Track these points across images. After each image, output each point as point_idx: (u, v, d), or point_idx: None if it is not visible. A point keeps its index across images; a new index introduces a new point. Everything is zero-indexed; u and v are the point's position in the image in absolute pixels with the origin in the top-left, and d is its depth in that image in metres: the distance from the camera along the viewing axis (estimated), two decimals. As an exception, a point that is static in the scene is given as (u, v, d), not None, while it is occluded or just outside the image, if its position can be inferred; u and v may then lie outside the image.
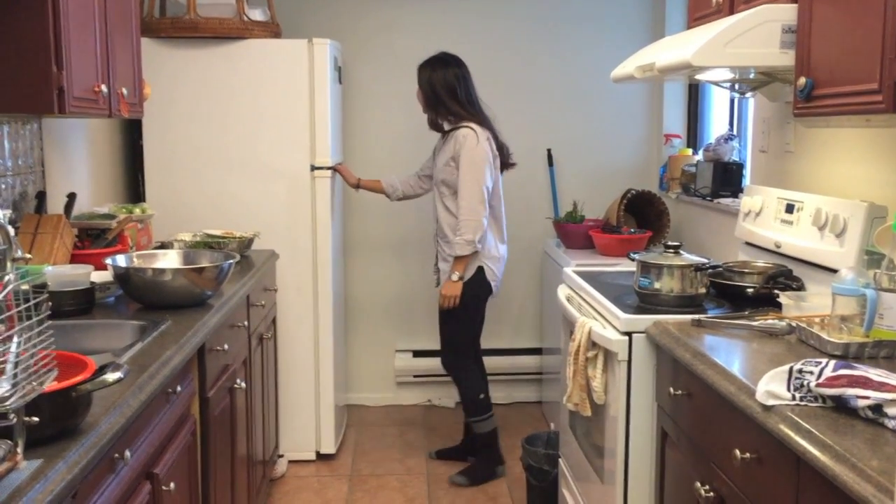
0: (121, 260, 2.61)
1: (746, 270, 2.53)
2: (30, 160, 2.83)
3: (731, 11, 2.50)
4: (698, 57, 2.25)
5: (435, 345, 4.56)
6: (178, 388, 2.08)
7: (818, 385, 1.55)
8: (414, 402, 4.71)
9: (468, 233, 3.49)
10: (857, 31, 1.89)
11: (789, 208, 2.65)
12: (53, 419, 1.39)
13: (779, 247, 2.65)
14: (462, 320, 3.66)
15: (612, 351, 2.34)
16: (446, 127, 3.65)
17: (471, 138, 3.50)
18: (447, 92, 3.61)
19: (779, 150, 3.04)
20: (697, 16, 2.82)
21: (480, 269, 3.59)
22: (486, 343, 3.99)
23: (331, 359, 3.87)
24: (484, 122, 3.61)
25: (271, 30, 3.74)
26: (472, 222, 3.48)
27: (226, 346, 2.57)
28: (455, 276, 3.55)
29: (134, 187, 3.89)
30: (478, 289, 3.62)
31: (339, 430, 4.09)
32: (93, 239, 2.92)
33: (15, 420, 1.22)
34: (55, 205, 2.93)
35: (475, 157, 3.49)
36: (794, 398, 1.57)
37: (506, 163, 3.72)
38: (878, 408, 1.45)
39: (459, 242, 3.50)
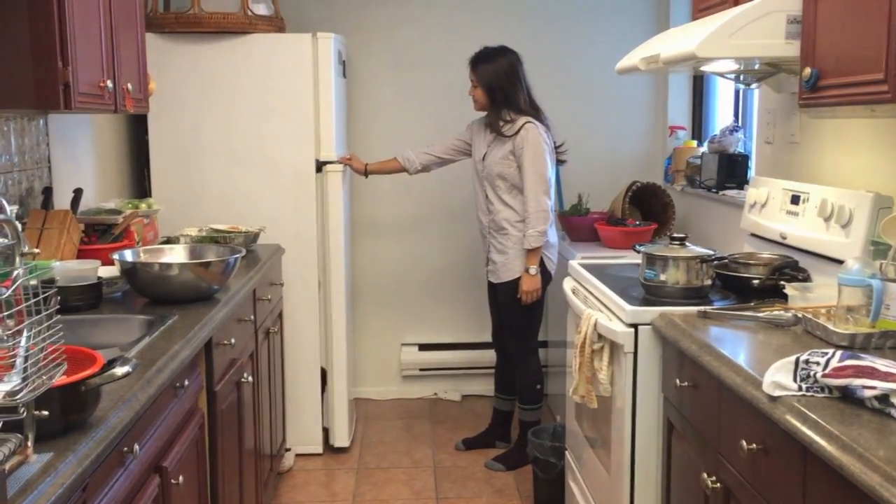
0: (127, 255, 2.62)
1: (752, 262, 2.53)
2: (36, 156, 2.84)
3: (736, 2, 2.49)
4: (703, 48, 2.24)
5: (440, 338, 4.62)
6: (186, 383, 2.09)
7: (824, 376, 1.55)
8: (420, 395, 4.71)
9: (540, 224, 3.52)
10: (863, 21, 1.89)
11: (795, 199, 2.65)
12: (63, 413, 1.40)
13: (784, 238, 2.65)
14: (534, 311, 3.70)
15: (618, 343, 2.34)
16: (503, 128, 3.58)
17: (533, 131, 3.53)
18: (514, 79, 3.59)
19: (784, 141, 3.03)
20: (702, 7, 2.81)
21: (541, 260, 3.63)
22: (488, 336, 4.03)
23: (343, 352, 3.88)
24: (542, 118, 3.62)
25: (275, 24, 3.74)
26: (542, 213, 3.53)
27: (233, 341, 2.58)
28: (532, 270, 3.58)
29: (140, 182, 3.89)
30: (544, 279, 3.67)
31: (352, 424, 4.09)
32: (99, 234, 2.93)
33: (25, 414, 1.23)
34: (62, 200, 2.94)
35: (538, 150, 3.53)
36: (800, 389, 1.57)
37: (557, 158, 3.74)
38: (884, 398, 1.45)
39: (533, 235, 3.53)
